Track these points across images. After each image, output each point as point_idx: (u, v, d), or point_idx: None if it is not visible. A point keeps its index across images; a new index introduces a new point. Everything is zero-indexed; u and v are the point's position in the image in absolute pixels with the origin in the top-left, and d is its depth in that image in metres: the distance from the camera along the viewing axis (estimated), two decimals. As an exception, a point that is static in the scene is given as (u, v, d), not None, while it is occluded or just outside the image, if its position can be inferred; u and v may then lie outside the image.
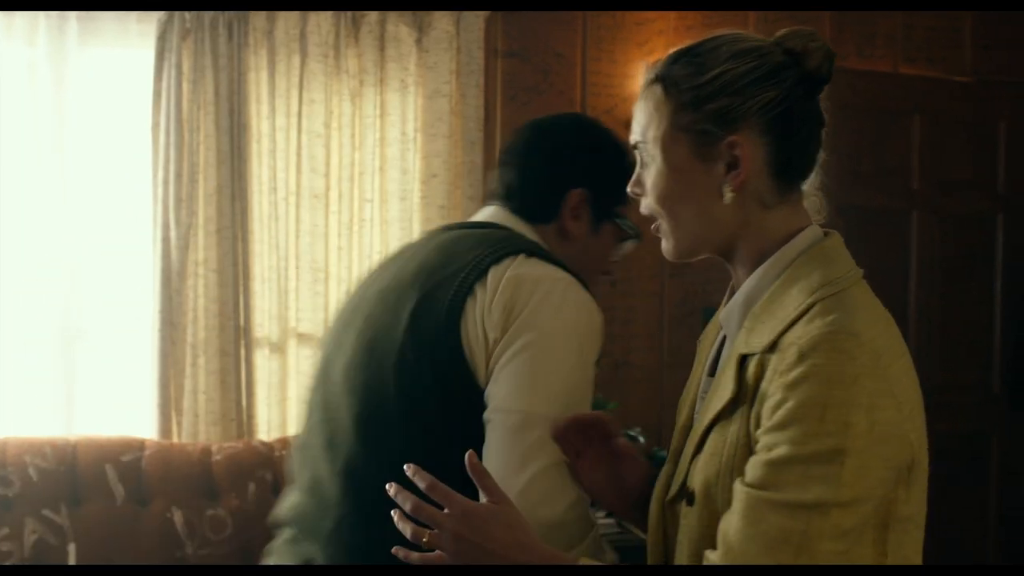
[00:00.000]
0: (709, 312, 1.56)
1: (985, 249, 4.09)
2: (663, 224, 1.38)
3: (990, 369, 4.12)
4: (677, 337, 3.78)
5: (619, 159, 1.71)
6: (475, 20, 3.58)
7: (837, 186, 3.88)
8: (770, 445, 1.21)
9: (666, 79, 1.35)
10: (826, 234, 1.38)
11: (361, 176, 3.54)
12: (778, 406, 1.21)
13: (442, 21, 3.55)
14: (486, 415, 1.50)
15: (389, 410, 1.54)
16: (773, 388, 1.22)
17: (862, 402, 1.19)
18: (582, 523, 1.49)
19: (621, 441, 1.52)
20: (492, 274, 1.54)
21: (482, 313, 1.53)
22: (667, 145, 1.34)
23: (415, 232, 3.55)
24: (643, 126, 1.37)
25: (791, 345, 1.22)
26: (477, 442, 1.48)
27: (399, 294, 1.59)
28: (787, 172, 1.34)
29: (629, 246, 1.81)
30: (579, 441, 1.50)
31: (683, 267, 3.26)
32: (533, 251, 1.60)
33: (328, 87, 3.50)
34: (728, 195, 1.32)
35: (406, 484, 1.32)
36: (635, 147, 1.40)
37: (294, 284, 3.50)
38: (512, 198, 1.73)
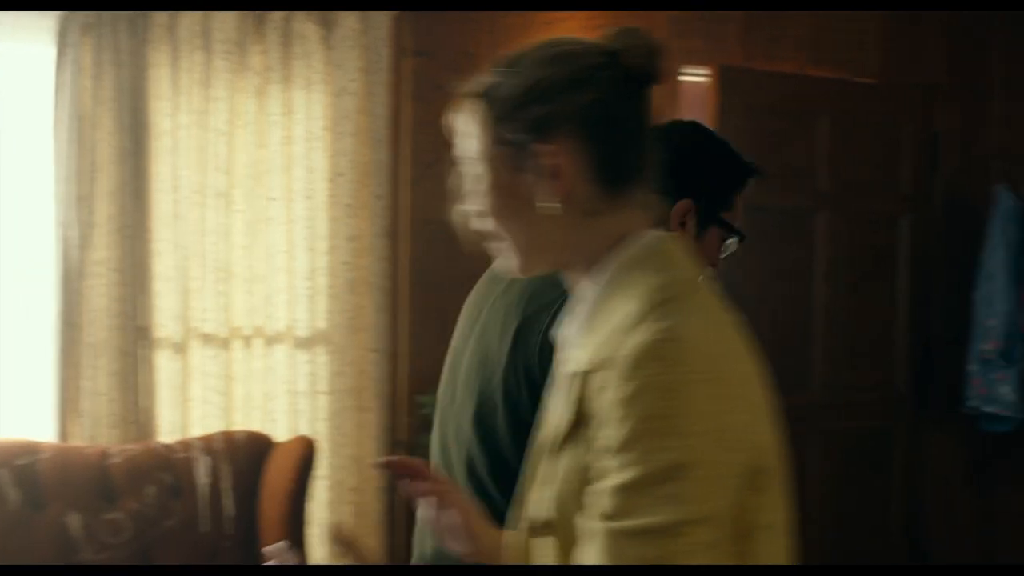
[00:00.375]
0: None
1: (890, 249, 4.16)
2: (498, 241, 1.34)
3: (895, 368, 4.19)
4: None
5: (728, 169, 1.84)
6: (382, 18, 3.56)
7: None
8: (613, 469, 1.17)
9: (485, 92, 1.32)
10: (666, 238, 1.33)
11: (266, 174, 3.50)
12: (616, 425, 1.17)
13: (348, 19, 3.52)
14: None
15: (497, 417, 1.69)
16: (608, 406, 1.18)
17: (701, 409, 1.16)
18: None
19: (423, 486, 1.46)
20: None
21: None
22: (490, 160, 1.31)
23: (321, 231, 3.53)
24: (465, 141, 1.34)
25: (623, 358, 1.18)
26: None
27: (507, 315, 1.73)
28: (612, 176, 1.30)
29: (733, 244, 1.87)
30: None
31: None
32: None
33: (232, 84, 3.46)
34: (552, 205, 1.28)
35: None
36: (459, 163, 1.37)
37: (197, 284, 3.45)
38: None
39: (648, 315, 1.20)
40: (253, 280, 3.48)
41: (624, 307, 1.24)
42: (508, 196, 1.31)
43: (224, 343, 3.47)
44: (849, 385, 4.12)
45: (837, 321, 4.05)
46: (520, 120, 1.29)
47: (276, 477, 3.21)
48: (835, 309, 4.04)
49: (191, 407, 3.45)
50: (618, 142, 1.30)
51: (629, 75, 1.30)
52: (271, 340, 3.52)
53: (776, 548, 1.26)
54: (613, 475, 1.17)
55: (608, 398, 1.18)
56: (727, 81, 3.81)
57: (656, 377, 1.16)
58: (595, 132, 1.29)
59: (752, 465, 1.21)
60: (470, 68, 3.75)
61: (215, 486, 3.18)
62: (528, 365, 1.66)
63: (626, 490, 1.16)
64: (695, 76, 3.85)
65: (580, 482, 1.22)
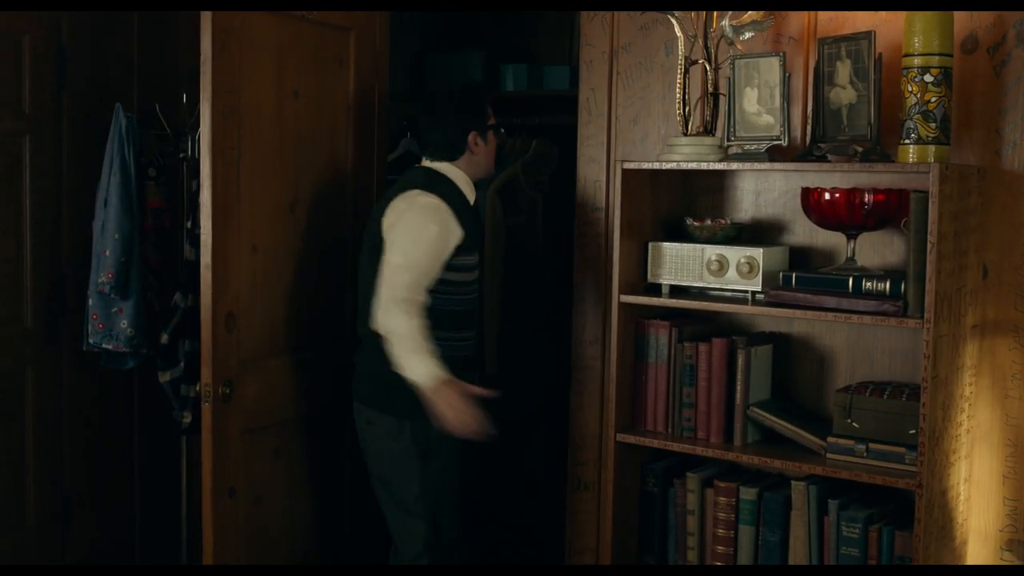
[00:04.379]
0: None
1: (13, 173, 3.76)
2: None
3: (24, 303, 3.83)
4: None
5: (482, 103, 3.24)
6: None
7: None
8: None
9: None
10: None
11: None
12: None
13: None
14: None
15: (364, 267, 3.16)
16: None
17: None
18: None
19: None
20: (395, 201, 3.10)
21: (388, 220, 3.07)
22: None
23: None
24: None
25: None
26: None
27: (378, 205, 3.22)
28: None
29: (503, 136, 3.39)
30: None
31: None
32: (421, 186, 3.11)
33: None
34: None
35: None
36: None
37: None
38: (429, 148, 3.25)
39: None
40: None
41: None
42: None
43: None
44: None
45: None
46: None
47: None
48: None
49: None
50: None
51: None
52: None
53: None
54: None
55: None
56: None
57: None
58: None
59: None
60: None
61: None
62: (372, 234, 3.15)
63: None
64: None
65: None
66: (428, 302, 3.02)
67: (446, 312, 3.10)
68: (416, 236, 3.02)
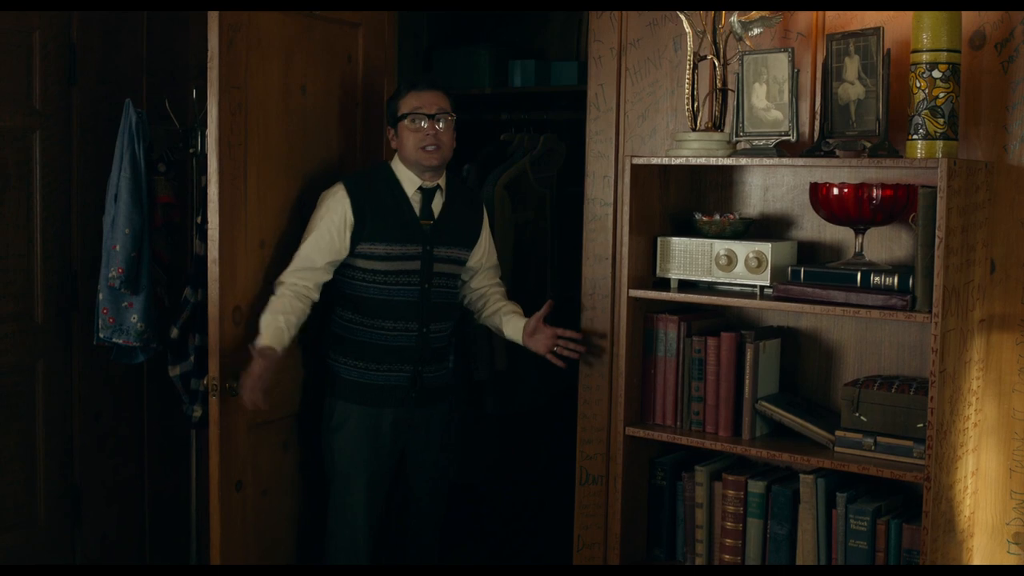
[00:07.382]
0: None
1: (24, 168, 3.79)
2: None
3: (35, 298, 3.85)
4: None
5: (394, 100, 3.33)
6: None
7: None
8: None
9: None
10: None
11: None
12: None
13: None
14: None
15: None
16: None
17: None
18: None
19: None
20: None
21: None
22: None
23: None
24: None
25: None
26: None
27: None
28: None
29: (419, 123, 3.25)
30: None
31: None
32: (344, 178, 3.32)
33: None
34: None
35: None
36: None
37: None
38: None
39: None
40: None
41: None
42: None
43: None
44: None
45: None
46: None
47: None
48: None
49: None
50: None
51: None
52: None
53: None
54: None
55: None
56: None
57: None
58: None
59: None
60: None
61: None
62: None
63: None
64: None
65: None
66: (333, 279, 3.28)
67: (353, 296, 3.28)
68: (310, 221, 3.25)
